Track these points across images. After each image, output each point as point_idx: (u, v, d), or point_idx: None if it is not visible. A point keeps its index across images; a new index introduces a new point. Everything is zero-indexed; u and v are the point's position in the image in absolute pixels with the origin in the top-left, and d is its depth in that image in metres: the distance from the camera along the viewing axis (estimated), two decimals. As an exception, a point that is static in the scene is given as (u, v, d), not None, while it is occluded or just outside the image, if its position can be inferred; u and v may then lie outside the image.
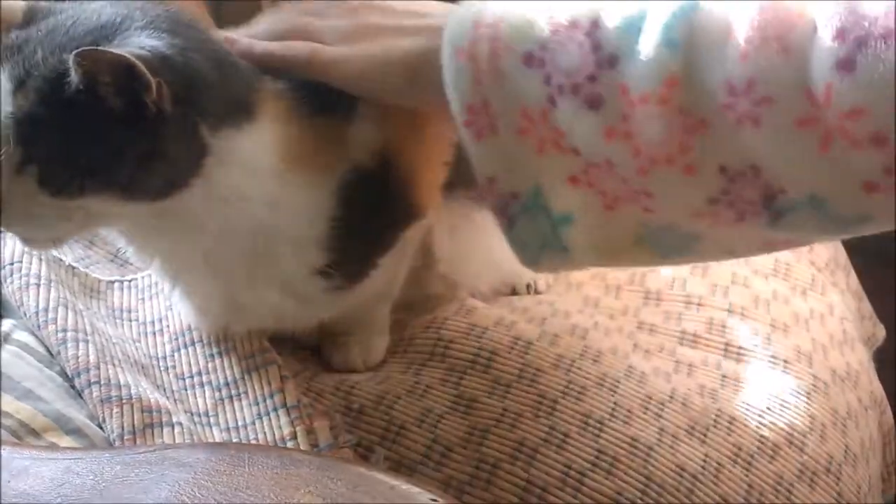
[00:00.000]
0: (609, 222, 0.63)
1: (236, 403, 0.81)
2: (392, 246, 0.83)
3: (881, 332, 1.21)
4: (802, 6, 0.53)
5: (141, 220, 0.76)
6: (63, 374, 0.80)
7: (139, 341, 0.88)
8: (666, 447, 0.83)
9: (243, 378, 0.82)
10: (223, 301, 0.82)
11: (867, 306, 1.21)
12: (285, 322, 0.84)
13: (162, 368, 0.85)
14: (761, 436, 0.88)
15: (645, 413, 0.85)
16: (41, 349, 0.82)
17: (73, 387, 0.79)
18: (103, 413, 0.77)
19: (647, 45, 0.56)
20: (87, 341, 0.81)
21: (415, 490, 0.54)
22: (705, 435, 0.86)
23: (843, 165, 0.53)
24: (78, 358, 0.80)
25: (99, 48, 0.65)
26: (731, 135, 0.55)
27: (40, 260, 0.88)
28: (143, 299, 0.92)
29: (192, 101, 0.70)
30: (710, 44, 0.54)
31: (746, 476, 0.85)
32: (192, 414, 0.81)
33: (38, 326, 0.83)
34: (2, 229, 0.83)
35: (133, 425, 0.76)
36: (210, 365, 0.84)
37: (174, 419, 0.78)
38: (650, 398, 0.87)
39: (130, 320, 0.90)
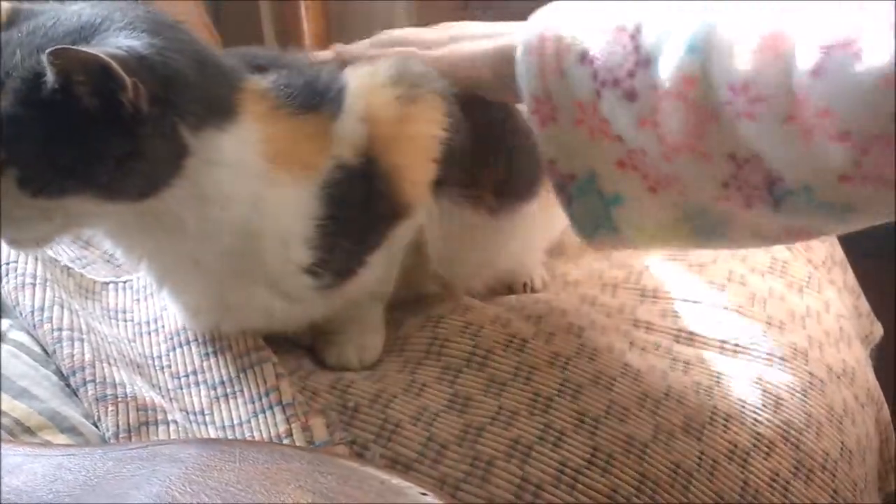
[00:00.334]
0: (653, 204, 0.73)
1: (231, 402, 0.81)
2: (379, 244, 0.84)
3: (878, 330, 1.21)
4: (795, 22, 0.61)
5: (124, 221, 0.76)
6: (58, 372, 0.80)
7: (134, 341, 0.88)
8: (661, 445, 0.83)
9: (238, 376, 0.82)
10: (212, 301, 0.82)
11: (864, 303, 1.21)
12: (275, 321, 0.85)
13: (157, 367, 0.85)
14: (757, 433, 0.87)
15: (640, 411, 0.85)
16: (37, 348, 0.82)
17: (68, 385, 0.80)
18: (98, 411, 0.77)
19: (675, 51, 0.66)
20: (82, 340, 0.82)
21: (405, 485, 0.54)
22: (701, 432, 0.86)
23: (822, 158, 0.61)
24: (73, 357, 0.80)
25: (72, 47, 0.65)
26: (734, 127, 0.64)
27: (36, 260, 0.89)
28: (137, 300, 0.92)
29: (170, 102, 0.70)
30: (721, 50, 0.64)
31: (742, 473, 0.85)
32: (187, 413, 0.81)
33: (34, 325, 0.83)
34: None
35: (128, 424, 0.76)
36: (205, 364, 0.84)
37: (169, 417, 0.78)
38: (646, 396, 0.86)
39: (126, 321, 0.90)
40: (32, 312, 0.83)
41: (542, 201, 1.00)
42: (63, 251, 0.95)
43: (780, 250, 1.08)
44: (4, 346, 0.82)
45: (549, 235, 1.07)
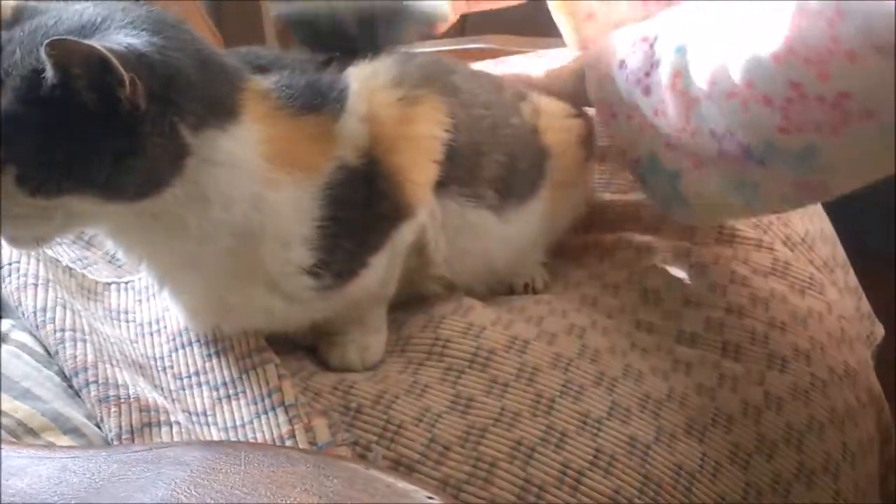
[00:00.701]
0: (702, 177, 0.87)
1: (234, 403, 0.81)
2: (381, 245, 0.83)
3: (880, 331, 1.21)
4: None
5: (124, 221, 0.76)
6: (61, 373, 0.80)
7: (137, 342, 0.88)
8: (664, 446, 0.83)
9: (241, 377, 0.82)
10: (212, 301, 0.82)
11: (866, 305, 1.21)
12: (276, 322, 0.84)
13: (160, 368, 0.85)
14: (759, 434, 0.88)
15: (643, 412, 0.85)
16: (39, 349, 0.82)
17: (71, 386, 0.79)
18: (101, 412, 0.77)
19: (668, 53, 0.85)
20: (84, 341, 0.81)
21: (411, 488, 0.53)
22: (703, 434, 0.86)
23: (755, 119, 0.78)
24: (76, 357, 0.80)
25: (70, 38, 0.65)
26: (709, 106, 0.81)
27: (38, 260, 0.89)
28: (140, 301, 0.92)
29: (170, 101, 0.70)
30: (698, 49, 0.83)
31: (744, 475, 0.85)
32: (190, 413, 0.81)
33: (37, 326, 0.83)
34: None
35: (131, 424, 0.76)
36: (207, 364, 0.84)
37: (172, 418, 0.78)
38: (648, 397, 0.87)
39: (128, 321, 0.90)
40: (35, 313, 0.83)
41: (542, 202, 1.00)
42: (65, 252, 0.95)
43: (782, 252, 1.08)
44: (7, 347, 0.82)
45: (551, 236, 1.07)
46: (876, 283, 1.28)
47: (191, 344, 0.86)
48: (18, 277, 0.86)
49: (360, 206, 0.80)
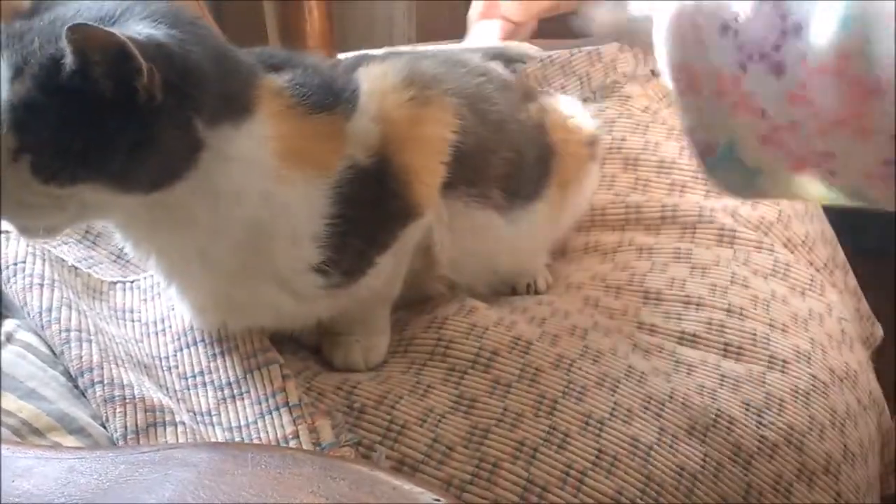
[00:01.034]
0: (795, 181, 0.70)
1: (238, 403, 0.81)
2: (390, 245, 0.84)
3: (879, 332, 1.21)
4: None
5: (135, 214, 0.76)
6: (66, 373, 0.81)
7: (142, 341, 0.88)
8: (666, 447, 0.84)
9: (245, 377, 0.82)
10: (219, 298, 0.82)
11: (866, 306, 1.21)
12: (283, 320, 0.85)
13: (164, 368, 0.85)
14: (760, 435, 0.88)
15: (645, 413, 0.86)
16: (45, 349, 0.83)
17: (76, 386, 0.80)
18: (106, 412, 0.77)
19: (826, 24, 0.61)
20: (90, 341, 0.82)
21: (417, 490, 0.54)
22: (705, 435, 0.86)
23: None
24: (81, 358, 0.80)
25: (91, 24, 0.65)
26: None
27: (43, 260, 0.89)
28: (145, 300, 0.92)
29: (186, 94, 0.70)
30: (881, 22, 0.59)
31: (745, 476, 0.86)
32: (194, 413, 0.81)
33: (42, 326, 0.83)
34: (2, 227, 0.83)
35: (136, 425, 0.76)
36: (212, 364, 0.84)
37: (177, 419, 0.78)
38: (650, 398, 0.87)
39: (133, 321, 0.91)
40: (40, 313, 0.84)
41: (547, 202, 1.00)
42: (70, 251, 0.95)
43: (782, 253, 1.08)
44: (12, 347, 0.82)
45: (554, 236, 1.07)
46: (876, 283, 1.28)
47: (196, 343, 0.86)
48: (24, 277, 0.86)
49: (370, 205, 0.81)
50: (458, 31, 1.16)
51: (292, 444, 0.76)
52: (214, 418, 0.81)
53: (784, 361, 0.95)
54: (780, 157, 0.69)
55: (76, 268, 0.93)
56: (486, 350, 0.87)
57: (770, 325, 0.98)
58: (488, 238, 0.93)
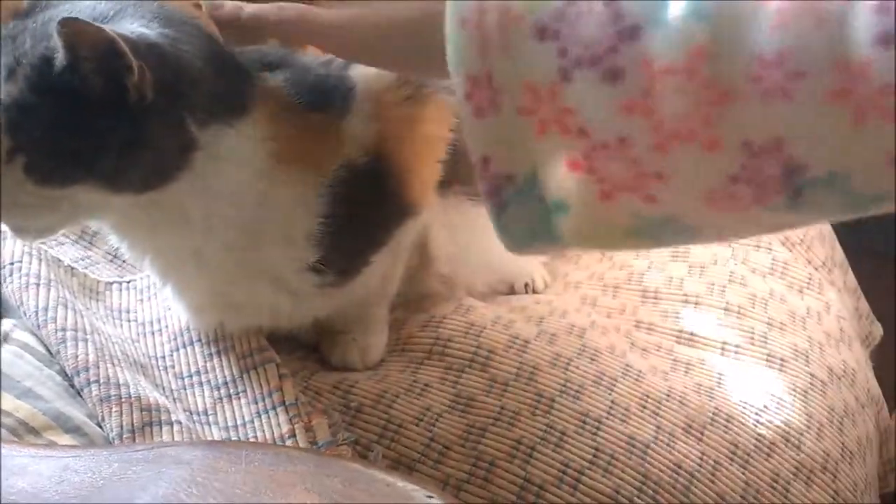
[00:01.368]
0: (604, 214, 0.59)
1: (235, 402, 0.81)
2: (385, 243, 0.84)
3: (878, 331, 1.21)
4: None
5: (130, 214, 0.76)
6: (62, 372, 0.81)
7: (138, 341, 0.88)
8: (663, 445, 0.84)
9: (242, 377, 0.82)
10: (215, 298, 0.82)
11: (864, 305, 1.21)
12: (279, 319, 0.85)
13: (161, 368, 0.85)
14: (758, 434, 0.88)
15: (642, 411, 0.86)
16: (41, 348, 0.83)
17: (72, 386, 0.80)
18: (102, 412, 0.77)
19: (674, 17, 0.53)
20: (86, 340, 0.82)
21: (411, 487, 0.54)
22: (702, 433, 0.86)
23: (873, 140, 0.51)
24: (77, 357, 0.80)
25: (82, 20, 0.65)
26: (758, 108, 0.53)
27: (40, 260, 0.89)
28: (141, 300, 0.92)
29: (178, 93, 0.70)
30: (741, 15, 0.52)
31: (743, 474, 0.85)
32: (191, 413, 0.81)
33: (38, 326, 0.83)
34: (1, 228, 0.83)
35: (132, 424, 0.76)
36: (208, 364, 0.84)
37: (173, 418, 0.78)
38: (647, 396, 0.87)
39: (129, 321, 0.91)
40: (37, 312, 0.84)
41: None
42: (66, 252, 0.95)
43: (780, 252, 1.08)
44: (9, 347, 0.82)
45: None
46: (875, 283, 1.28)
47: (192, 343, 0.86)
48: (20, 277, 0.87)
49: (365, 204, 0.81)
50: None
51: (289, 443, 0.76)
52: (211, 417, 0.81)
53: (782, 360, 0.95)
54: (590, 184, 0.58)
55: (72, 268, 0.93)
56: (483, 349, 0.87)
57: (768, 324, 0.98)
58: (485, 237, 0.93)
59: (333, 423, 0.79)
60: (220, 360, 0.84)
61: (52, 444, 0.72)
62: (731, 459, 0.86)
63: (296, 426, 0.78)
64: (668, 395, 0.88)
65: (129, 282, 0.94)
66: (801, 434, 0.90)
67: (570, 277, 1.06)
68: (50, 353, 0.82)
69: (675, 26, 0.53)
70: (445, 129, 0.84)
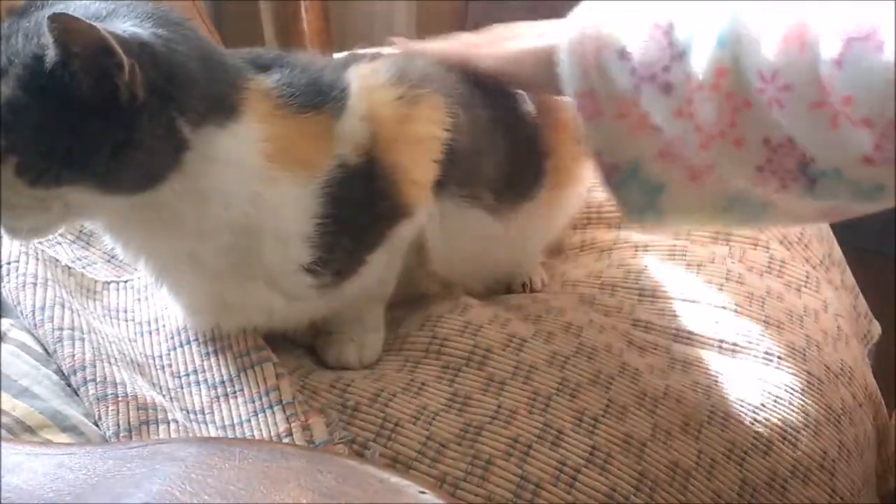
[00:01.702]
0: (695, 192, 0.77)
1: (232, 401, 0.81)
2: (380, 244, 0.84)
3: (876, 329, 1.21)
4: (818, 13, 0.64)
5: (122, 215, 0.76)
6: (59, 371, 0.81)
7: (135, 340, 0.88)
8: (660, 443, 0.84)
9: (238, 376, 0.82)
10: (211, 299, 0.82)
11: (862, 303, 1.21)
12: (275, 319, 0.85)
13: (158, 367, 0.85)
14: (755, 432, 0.88)
15: (639, 410, 0.86)
16: (38, 347, 0.83)
17: (69, 384, 0.80)
18: (99, 410, 0.77)
19: (706, 45, 0.69)
20: (83, 339, 0.82)
21: (404, 483, 0.54)
22: (699, 431, 0.86)
23: (846, 142, 0.64)
24: (74, 356, 0.80)
25: (72, 16, 0.65)
26: (766, 113, 0.67)
27: (37, 259, 0.89)
28: (138, 299, 0.92)
29: (170, 94, 0.70)
30: (750, 41, 0.67)
31: (740, 472, 0.85)
32: (188, 411, 0.81)
33: (35, 325, 0.83)
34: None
35: (129, 423, 0.76)
36: (205, 363, 0.84)
37: (170, 417, 0.78)
38: (644, 395, 0.87)
39: (126, 320, 0.91)
40: (33, 312, 0.84)
41: (540, 202, 1.00)
42: (64, 251, 0.96)
43: (778, 250, 1.08)
44: (6, 346, 0.82)
45: (548, 236, 1.07)
46: (874, 282, 1.28)
47: (189, 342, 0.86)
48: (17, 276, 0.87)
49: (360, 205, 0.81)
50: (458, 30, 1.16)
51: (286, 441, 0.76)
52: (208, 416, 0.81)
53: (779, 358, 0.95)
54: (677, 169, 0.76)
55: (70, 267, 0.93)
56: (480, 348, 0.87)
57: (765, 322, 0.98)
58: (480, 237, 0.93)
59: (330, 421, 0.79)
60: (217, 359, 0.84)
61: (47, 442, 0.72)
62: (728, 458, 0.86)
63: (293, 425, 0.78)
64: (666, 394, 0.88)
65: (126, 281, 0.94)
66: (799, 432, 0.90)
67: (568, 276, 1.06)
68: (47, 352, 0.82)
69: (706, 51, 0.70)
70: (439, 128, 0.84)
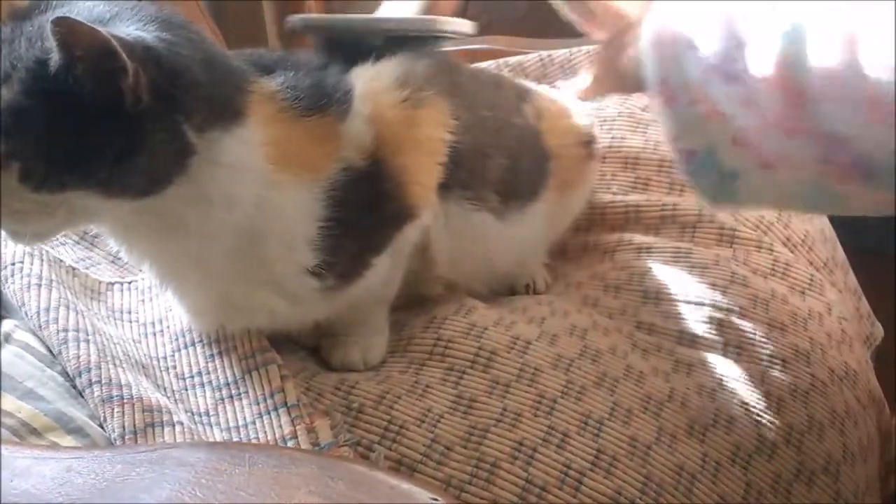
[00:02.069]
0: (769, 178, 0.77)
1: (237, 403, 0.81)
2: (385, 246, 0.84)
3: (879, 332, 1.21)
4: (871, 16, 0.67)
5: (127, 219, 0.76)
6: (64, 373, 0.81)
7: (140, 342, 0.88)
8: (665, 446, 0.84)
9: (243, 378, 0.82)
10: (215, 301, 0.82)
11: (865, 305, 1.21)
12: (279, 322, 0.85)
13: (162, 368, 0.85)
14: (760, 435, 0.88)
15: (644, 412, 0.86)
16: (42, 349, 0.83)
17: (74, 386, 0.80)
18: (104, 413, 0.77)
19: (769, 38, 0.71)
20: (88, 341, 0.82)
21: (415, 489, 0.54)
22: (704, 434, 0.86)
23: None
24: (79, 358, 0.80)
25: (76, 19, 0.65)
26: (820, 107, 0.69)
27: (41, 261, 0.89)
28: (143, 301, 0.92)
29: (175, 98, 0.70)
30: (806, 35, 0.69)
31: (745, 475, 0.85)
32: (192, 414, 0.81)
33: (40, 326, 0.83)
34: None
35: (134, 425, 0.76)
36: (210, 365, 0.84)
37: (175, 419, 0.78)
38: (649, 398, 0.87)
39: (131, 321, 0.91)
40: (38, 313, 0.83)
41: (544, 204, 1.00)
42: (68, 252, 0.95)
43: (782, 252, 1.08)
44: (10, 348, 0.82)
45: (552, 237, 1.07)
46: (876, 283, 1.28)
47: (194, 344, 0.86)
48: (22, 278, 0.86)
49: (364, 208, 0.81)
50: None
51: (290, 444, 0.76)
52: (212, 419, 0.81)
53: (783, 361, 0.95)
54: (750, 156, 0.76)
55: (74, 268, 0.93)
56: (485, 350, 0.87)
57: (769, 325, 0.98)
58: (484, 239, 0.93)
59: (335, 424, 0.79)
60: (222, 361, 0.84)
61: (54, 446, 0.72)
62: (733, 461, 0.86)
63: (297, 427, 0.78)
64: (670, 397, 0.88)
65: (130, 282, 0.94)
66: (802, 435, 0.90)
67: (572, 278, 1.06)
68: (52, 353, 0.82)
69: (769, 44, 0.71)
70: (444, 131, 0.84)
